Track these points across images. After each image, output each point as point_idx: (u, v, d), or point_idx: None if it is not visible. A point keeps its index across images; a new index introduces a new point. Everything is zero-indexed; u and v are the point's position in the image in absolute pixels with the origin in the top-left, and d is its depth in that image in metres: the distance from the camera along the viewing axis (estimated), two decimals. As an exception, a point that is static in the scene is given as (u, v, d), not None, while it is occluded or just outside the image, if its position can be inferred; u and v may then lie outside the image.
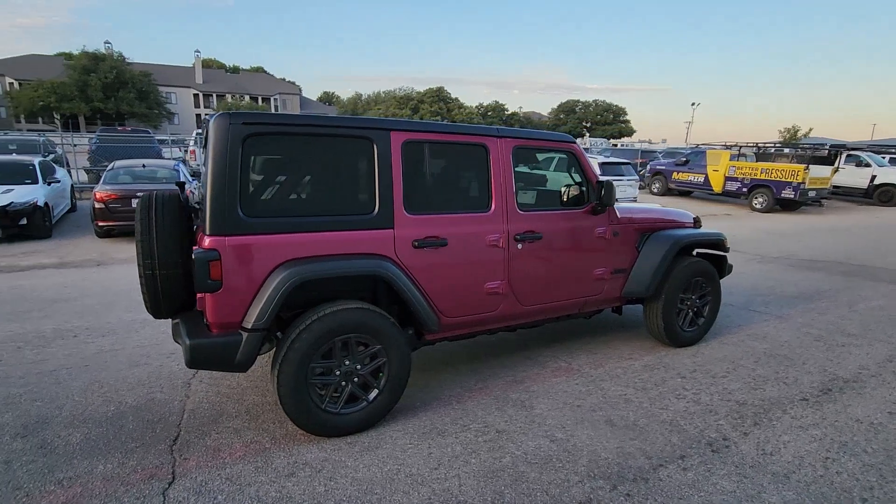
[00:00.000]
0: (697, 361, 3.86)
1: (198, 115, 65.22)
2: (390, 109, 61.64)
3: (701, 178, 15.38)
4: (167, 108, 60.65)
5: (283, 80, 77.38)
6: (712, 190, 15.08)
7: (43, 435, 2.69)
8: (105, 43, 57.24)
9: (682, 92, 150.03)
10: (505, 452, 2.62)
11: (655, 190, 16.88)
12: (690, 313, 4.16)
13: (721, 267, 4.36)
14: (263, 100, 69.50)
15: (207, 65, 74.92)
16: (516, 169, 3.31)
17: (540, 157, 4.90)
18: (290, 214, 2.60)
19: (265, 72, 79.40)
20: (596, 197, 3.51)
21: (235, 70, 78.82)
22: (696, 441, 2.74)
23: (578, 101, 70.34)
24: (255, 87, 70.66)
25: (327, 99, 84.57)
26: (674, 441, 2.74)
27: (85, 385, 3.27)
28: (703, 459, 2.57)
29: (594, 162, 12.31)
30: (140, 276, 2.68)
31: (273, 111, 68.75)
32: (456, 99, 64.81)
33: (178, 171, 9.85)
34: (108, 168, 9.46)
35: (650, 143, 55.17)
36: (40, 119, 53.38)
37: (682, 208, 5.04)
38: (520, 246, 3.26)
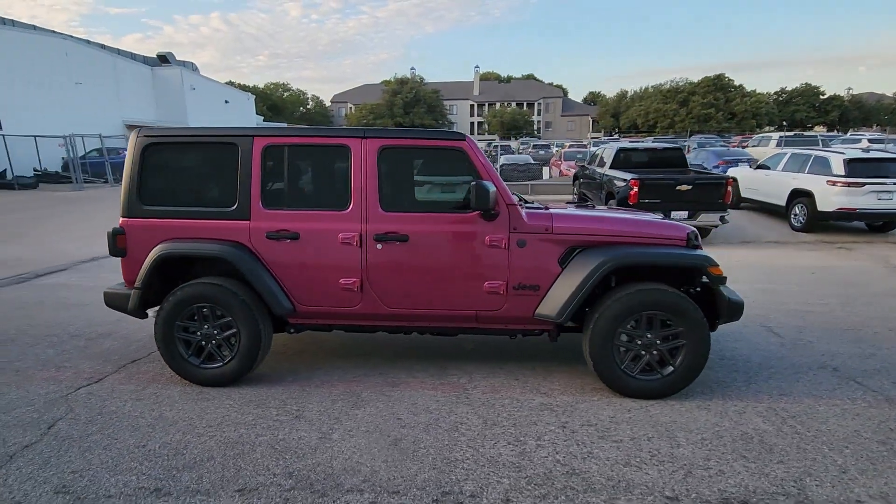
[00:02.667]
0: (626, 416, 2.97)
1: (472, 124, 73.86)
2: (653, 105, 56.82)
3: None
4: (448, 118, 70.59)
5: (551, 84, 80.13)
6: None
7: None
8: (411, 69, 70.45)
9: None
10: (266, 432, 2.81)
11: None
12: (647, 357, 3.17)
13: (714, 304, 3.14)
14: (528, 105, 73.65)
15: (485, 78, 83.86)
16: (388, 168, 3.29)
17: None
18: (174, 204, 3.38)
19: (535, 78, 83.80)
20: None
21: (508, 80, 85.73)
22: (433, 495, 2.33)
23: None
24: (523, 93, 75.45)
25: (591, 99, 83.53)
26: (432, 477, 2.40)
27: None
28: (419, 505, 2.21)
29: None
30: None
31: (535, 114, 72.10)
32: (739, 86, 55.02)
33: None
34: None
35: None
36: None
37: None
38: (379, 246, 3.24)
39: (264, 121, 45.89)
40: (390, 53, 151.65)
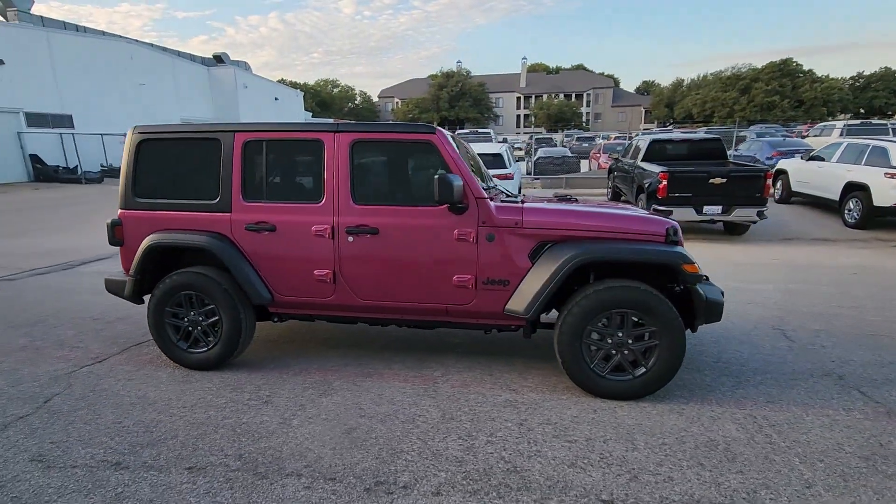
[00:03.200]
0: (590, 416, 2.88)
1: (517, 116, 72.88)
2: (710, 93, 53.81)
3: None
4: (494, 111, 69.93)
5: (601, 74, 77.61)
6: None
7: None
8: (457, 62, 70.40)
9: None
10: (233, 415, 2.93)
11: None
12: (617, 356, 3.05)
13: (692, 304, 2.97)
14: (577, 96, 71.74)
15: (533, 69, 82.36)
16: (360, 162, 3.33)
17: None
18: (164, 197, 3.57)
19: (584, 69, 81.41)
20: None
21: (557, 71, 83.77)
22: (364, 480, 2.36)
23: None
24: (572, 84, 73.53)
25: (645, 89, 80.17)
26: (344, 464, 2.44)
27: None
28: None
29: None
30: None
31: (584, 105, 70.14)
32: (808, 72, 51.08)
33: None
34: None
35: None
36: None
37: None
38: (351, 239, 3.29)
39: (312, 116, 47.28)
40: (441, 47, 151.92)
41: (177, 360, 3.58)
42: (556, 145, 29.23)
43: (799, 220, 9.87)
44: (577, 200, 3.75)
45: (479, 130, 23.08)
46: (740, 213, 8.39)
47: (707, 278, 3.40)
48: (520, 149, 23.43)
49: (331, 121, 46.79)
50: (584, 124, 67.20)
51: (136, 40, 29.25)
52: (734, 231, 9.04)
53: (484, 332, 3.57)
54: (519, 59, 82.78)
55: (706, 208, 8.44)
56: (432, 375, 3.47)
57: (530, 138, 32.51)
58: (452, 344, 4.04)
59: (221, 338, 3.48)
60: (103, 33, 28.97)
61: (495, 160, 10.62)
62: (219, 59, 33.97)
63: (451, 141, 3.27)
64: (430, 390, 3.25)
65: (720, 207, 8.39)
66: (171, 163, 3.60)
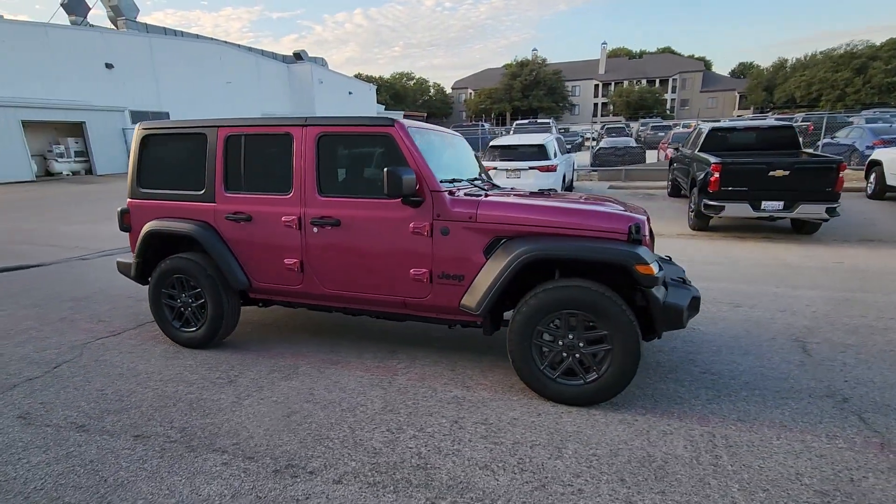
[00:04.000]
0: (530, 419, 2.77)
1: (595, 105, 69.96)
2: (818, 74, 48.13)
3: None
4: (570, 100, 67.70)
5: (690, 57, 72.18)
6: None
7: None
8: (532, 50, 68.78)
9: None
10: (197, 391, 3.16)
11: None
12: (569, 359, 2.89)
13: (651, 308, 2.73)
14: (661, 82, 67.48)
15: (614, 54, 78.48)
16: (326, 154, 3.40)
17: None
18: (162, 188, 3.88)
19: (672, 52, 76.15)
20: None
21: (640, 55, 79.10)
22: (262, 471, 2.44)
23: None
24: (656, 69, 69.18)
25: (741, 71, 73.37)
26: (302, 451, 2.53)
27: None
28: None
29: None
30: None
31: (669, 91, 65.82)
32: (942, 46, 44.03)
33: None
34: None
35: None
36: (483, 118, 69.19)
37: None
38: (315, 229, 3.39)
39: (385, 109, 48.56)
40: (520, 35, 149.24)
41: (171, 337, 3.91)
42: (629, 135, 27.73)
43: (889, 220, 8.66)
44: (550, 194, 3.57)
45: (539, 120, 22.51)
46: (805, 210, 7.51)
47: (685, 280, 3.12)
48: (592, 139, 22.53)
49: (401, 113, 47.69)
50: (667, 112, 63.04)
51: (225, 42, 31.68)
52: (802, 229, 8.12)
53: (448, 327, 3.53)
54: (599, 44, 78.91)
55: (765, 204, 7.66)
56: (395, 367, 3.50)
57: (601, 128, 31.11)
58: (432, 338, 4.04)
59: (207, 319, 3.74)
60: (197, 36, 31.68)
61: (538, 151, 10.34)
62: (298, 57, 35.89)
63: (411, 134, 3.25)
64: (385, 381, 3.29)
65: (781, 203, 7.57)
66: (169, 156, 3.90)
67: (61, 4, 27.60)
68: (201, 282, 3.68)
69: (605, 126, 30.99)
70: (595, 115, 68.89)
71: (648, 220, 3.62)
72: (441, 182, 3.22)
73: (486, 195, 3.32)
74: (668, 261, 3.78)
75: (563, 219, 2.97)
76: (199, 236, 3.64)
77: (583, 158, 18.71)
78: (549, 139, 10.83)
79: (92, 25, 27.23)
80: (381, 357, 3.68)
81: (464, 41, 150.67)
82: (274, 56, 35.99)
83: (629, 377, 2.79)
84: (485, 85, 68.83)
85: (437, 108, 72.22)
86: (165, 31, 30.02)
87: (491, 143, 10.93)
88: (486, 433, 2.67)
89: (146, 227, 3.82)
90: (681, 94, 67.44)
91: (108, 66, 23.63)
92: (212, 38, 32.00)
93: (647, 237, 2.93)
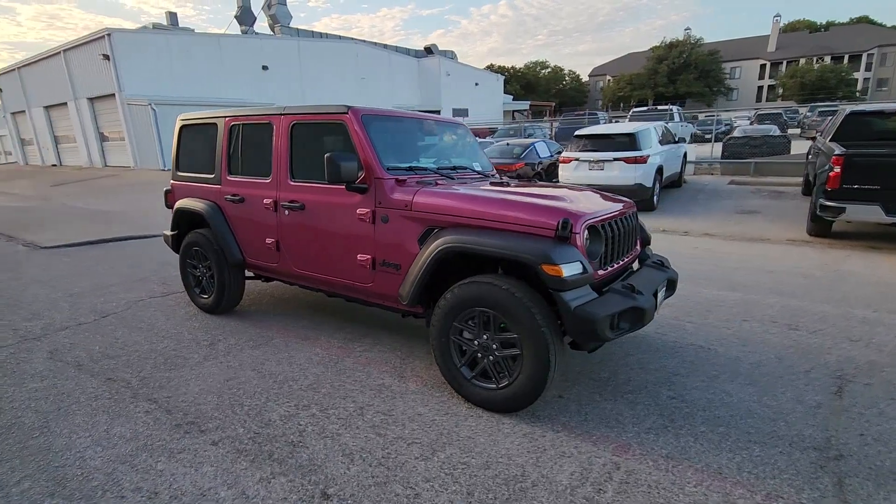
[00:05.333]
0: (432, 418, 2.66)
1: (759, 88, 61.12)
2: None
3: None
4: (727, 83, 60.22)
5: (894, 27, 58.74)
6: None
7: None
8: (685, 30, 62.16)
9: None
10: (178, 348, 3.60)
11: None
12: (484, 361, 2.69)
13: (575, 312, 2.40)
14: (851, 58, 56.21)
15: (791, 28, 67.41)
16: (297, 141, 3.58)
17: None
18: (189, 171, 4.45)
19: (869, 21, 62.78)
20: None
21: (826, 27, 66.60)
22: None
23: None
24: (845, 43, 57.75)
25: (972, 40, 57.41)
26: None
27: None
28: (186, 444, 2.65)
29: None
30: None
31: (863, 69, 54.75)
32: None
33: (532, 148, 11.88)
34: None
35: None
36: (621, 106, 64.64)
37: None
38: (287, 213, 3.62)
39: (513, 99, 48.13)
40: (679, 14, 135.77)
41: (193, 301, 4.51)
42: (785, 122, 23.72)
43: None
44: (510, 182, 3.31)
45: (659, 108, 20.32)
46: (954, 215, 5.82)
47: (633, 287, 2.68)
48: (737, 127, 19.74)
49: (528, 104, 46.55)
50: (856, 94, 52.28)
51: (361, 40, 34.26)
52: (962, 241, 6.29)
53: (402, 316, 3.50)
54: (770, 18, 67.97)
55: (902, 206, 6.09)
56: (353, 349, 3.60)
57: (754, 114, 27.05)
58: (410, 326, 4.05)
59: (214, 288, 4.24)
60: (339, 37, 34.76)
61: (629, 142, 9.46)
62: (428, 51, 37.32)
63: (367, 122, 3.26)
64: (332, 361, 3.41)
65: (920, 207, 5.96)
66: (195, 144, 4.46)
67: (235, 17, 32.43)
68: (209, 255, 4.17)
69: (757, 112, 26.95)
70: (760, 99, 60.06)
71: (631, 216, 3.18)
72: (397, 170, 3.21)
73: (437, 184, 3.21)
74: (660, 265, 3.27)
75: (491, 210, 2.75)
76: (207, 214, 4.12)
77: (718, 150, 16.54)
78: (643, 128, 9.82)
79: (256, 33, 31.52)
80: (350, 338, 3.80)
81: (614, 24, 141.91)
82: (407, 51, 37.93)
83: (540, 388, 2.51)
84: (626, 70, 64.13)
85: (570, 96, 69.44)
86: (312, 34, 33.51)
87: (576, 133, 10.28)
88: (380, 423, 2.63)
89: (177, 205, 4.43)
90: (877, 73, 55.38)
91: (264, 67, 27.17)
92: (351, 38, 34.88)
93: (583, 235, 2.56)
